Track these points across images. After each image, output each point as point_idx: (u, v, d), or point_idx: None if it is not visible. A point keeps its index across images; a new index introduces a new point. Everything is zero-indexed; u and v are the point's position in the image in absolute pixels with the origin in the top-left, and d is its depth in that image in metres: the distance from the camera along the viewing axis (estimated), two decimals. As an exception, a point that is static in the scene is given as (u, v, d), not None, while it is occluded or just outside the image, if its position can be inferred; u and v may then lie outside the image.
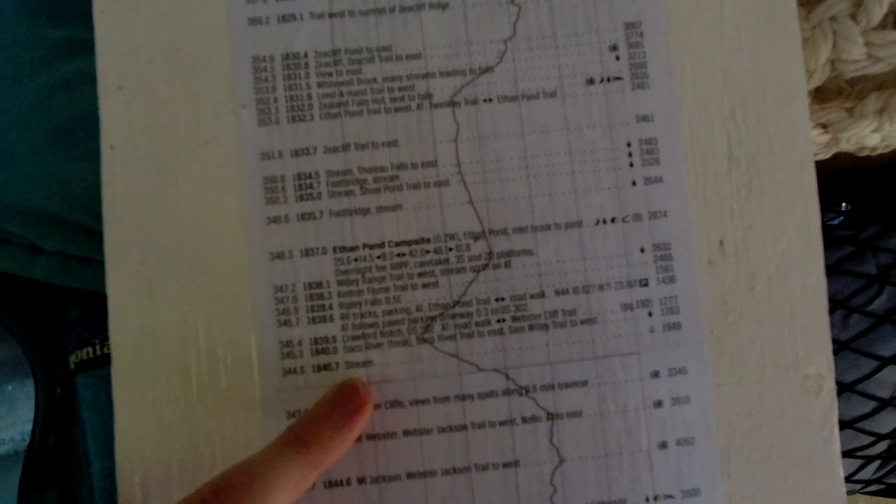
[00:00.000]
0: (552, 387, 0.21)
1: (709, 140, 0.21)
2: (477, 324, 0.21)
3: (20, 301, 0.28)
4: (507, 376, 0.21)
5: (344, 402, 0.20)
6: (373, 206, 0.21)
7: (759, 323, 0.21)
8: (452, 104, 0.21)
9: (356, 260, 0.21)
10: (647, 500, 0.21)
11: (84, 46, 0.22)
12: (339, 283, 0.21)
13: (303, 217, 0.21)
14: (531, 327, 0.21)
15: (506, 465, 0.21)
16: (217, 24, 0.21)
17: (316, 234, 0.21)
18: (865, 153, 0.28)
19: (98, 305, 0.21)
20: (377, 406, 0.21)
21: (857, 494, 0.39)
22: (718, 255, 0.21)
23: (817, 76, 0.24)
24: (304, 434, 0.19)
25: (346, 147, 0.21)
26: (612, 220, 0.21)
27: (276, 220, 0.21)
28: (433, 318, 0.21)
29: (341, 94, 0.21)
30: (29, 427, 0.28)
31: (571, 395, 0.21)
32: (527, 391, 0.21)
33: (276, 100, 0.21)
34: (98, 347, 0.26)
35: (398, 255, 0.21)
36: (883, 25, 0.23)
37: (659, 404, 0.21)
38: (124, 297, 0.21)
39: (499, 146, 0.21)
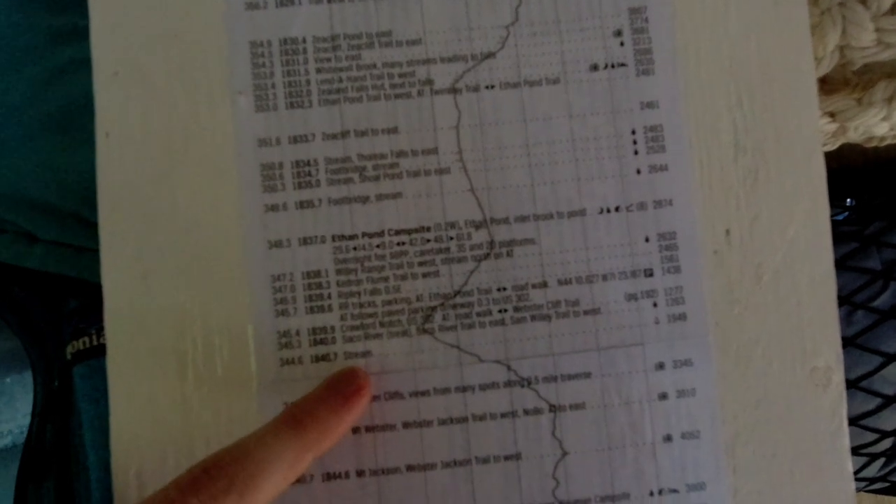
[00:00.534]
0: (555, 378, 0.20)
1: (715, 128, 0.21)
2: (478, 314, 0.20)
3: (17, 292, 0.28)
4: (509, 367, 0.20)
5: (342, 385, 0.19)
6: (372, 193, 0.21)
7: (765, 314, 0.21)
8: (453, 91, 0.21)
9: (355, 248, 0.20)
10: (652, 494, 0.20)
11: (79, 33, 0.22)
12: (338, 272, 0.20)
13: (301, 205, 0.21)
14: (533, 318, 0.21)
15: (507, 458, 0.20)
16: (214, 9, 0.21)
17: (314, 223, 0.20)
18: (873, 144, 0.27)
19: (96, 295, 0.20)
20: (376, 397, 0.20)
21: (862, 493, 0.39)
22: (724, 245, 0.21)
23: (825, 63, 0.24)
24: (300, 415, 0.18)
25: (345, 134, 0.21)
26: (616, 209, 0.21)
27: (273, 208, 0.21)
28: (433, 308, 0.20)
29: (340, 80, 0.21)
30: (28, 420, 0.28)
31: (574, 387, 0.20)
32: (529, 383, 0.20)
33: (273, 86, 0.21)
34: (95, 337, 0.25)
35: (398, 243, 0.21)
36: (893, 11, 0.23)
37: (664, 396, 0.21)
38: (120, 285, 0.20)
39: (500, 133, 0.21)
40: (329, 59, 0.21)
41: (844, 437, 0.21)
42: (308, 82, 0.21)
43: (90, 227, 0.21)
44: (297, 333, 0.20)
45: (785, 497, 0.21)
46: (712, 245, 0.21)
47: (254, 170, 0.21)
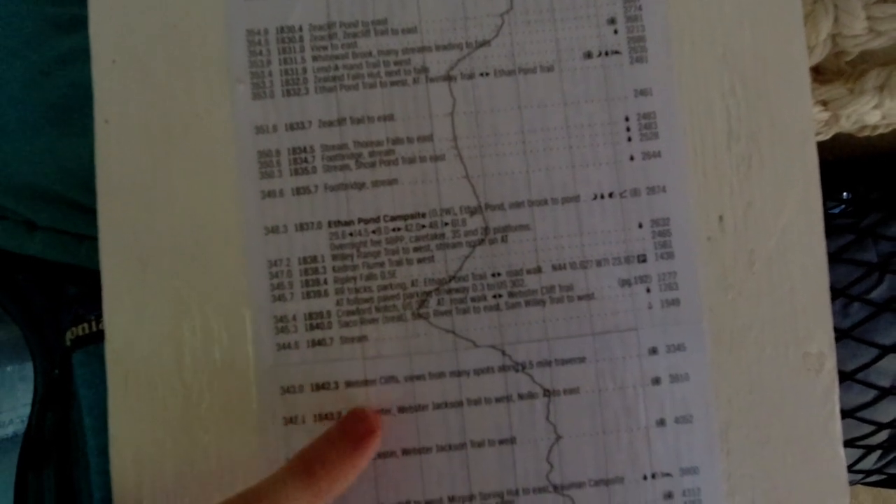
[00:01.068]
0: (549, 363, 0.21)
1: (708, 115, 0.21)
2: (473, 299, 0.21)
3: (18, 280, 0.28)
4: (504, 352, 0.21)
5: (353, 428, 0.19)
6: (368, 180, 0.21)
7: (758, 300, 0.21)
8: (449, 78, 0.21)
9: (351, 234, 0.21)
10: (645, 477, 0.20)
11: (79, 22, 0.22)
12: (334, 257, 0.21)
13: (297, 191, 0.21)
14: (528, 303, 0.21)
15: (502, 442, 0.20)
16: (212, -3, 0.21)
17: (311, 209, 0.21)
18: (866, 133, 0.27)
19: (95, 282, 0.21)
20: (372, 382, 0.20)
21: (858, 485, 0.39)
22: (718, 232, 0.21)
23: (818, 51, 0.24)
24: (311, 462, 0.18)
25: (341, 121, 0.21)
26: (610, 195, 0.21)
27: (270, 194, 0.21)
28: (428, 294, 0.21)
29: (336, 68, 0.21)
30: (28, 409, 0.28)
31: (569, 372, 0.21)
32: (523, 367, 0.21)
33: (270, 74, 0.21)
34: (94, 324, 0.26)
35: (393, 229, 0.21)
36: (884, -1, 0.23)
37: (657, 381, 0.21)
38: (118, 272, 0.21)
39: (495, 120, 0.21)
40: (325, 47, 0.21)
41: (837, 422, 0.21)
42: (304, 70, 0.21)
43: (90, 214, 0.21)
44: (294, 318, 0.21)
45: (778, 481, 0.21)
46: (706, 231, 0.21)
47: (251, 157, 0.21)
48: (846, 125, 0.26)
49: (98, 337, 0.25)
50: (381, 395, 0.20)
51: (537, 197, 0.21)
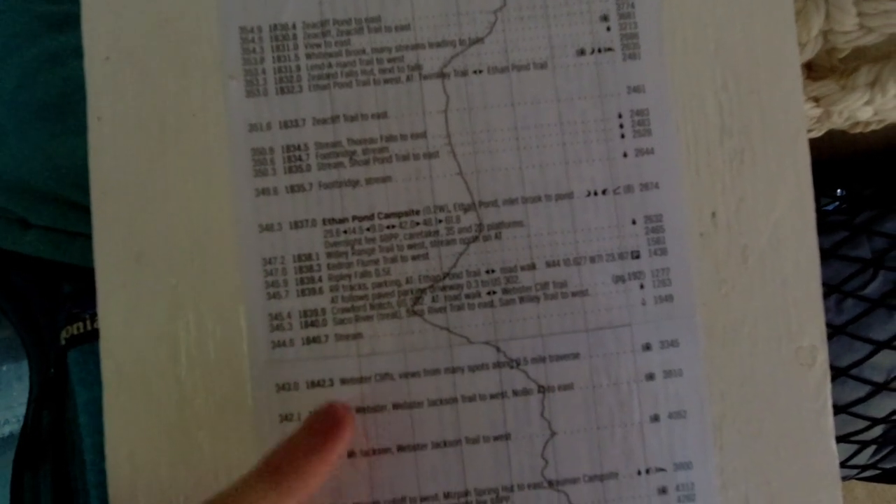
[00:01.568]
0: (543, 359, 0.21)
1: (701, 111, 0.21)
2: (467, 296, 0.21)
3: (14, 280, 0.28)
4: (498, 349, 0.21)
5: (319, 423, 0.19)
6: (362, 177, 0.21)
7: (751, 295, 0.21)
8: (442, 75, 0.21)
9: (345, 232, 0.21)
10: (639, 473, 0.21)
11: (71, 20, 0.22)
12: (329, 255, 0.21)
13: (292, 189, 0.21)
14: (522, 299, 0.21)
15: (497, 439, 0.21)
16: (205, -5, 0.21)
17: (305, 207, 0.21)
18: (858, 129, 0.27)
19: (89, 280, 0.21)
20: (367, 379, 0.21)
21: (853, 480, 0.39)
22: (711, 227, 0.21)
23: (810, 48, 0.24)
24: (277, 462, 0.18)
25: (335, 119, 0.21)
26: (604, 192, 0.21)
27: (264, 192, 0.21)
28: (423, 291, 0.21)
29: (330, 66, 0.21)
30: (24, 409, 0.28)
31: (563, 368, 0.21)
32: (518, 364, 0.21)
33: (264, 71, 0.21)
34: (88, 322, 0.26)
35: (388, 227, 0.21)
36: (875, -5, 0.23)
37: (651, 377, 0.21)
38: (112, 270, 0.21)
39: (489, 117, 0.21)
40: (319, 45, 0.21)
41: (829, 416, 0.21)
42: (298, 68, 0.21)
43: (83, 212, 0.21)
44: (289, 316, 0.21)
45: (770, 475, 0.21)
46: (699, 227, 0.21)
47: (245, 154, 0.21)
48: (838, 121, 0.27)
49: (93, 335, 0.25)
50: (375, 391, 0.20)
51: (531, 193, 0.21)
